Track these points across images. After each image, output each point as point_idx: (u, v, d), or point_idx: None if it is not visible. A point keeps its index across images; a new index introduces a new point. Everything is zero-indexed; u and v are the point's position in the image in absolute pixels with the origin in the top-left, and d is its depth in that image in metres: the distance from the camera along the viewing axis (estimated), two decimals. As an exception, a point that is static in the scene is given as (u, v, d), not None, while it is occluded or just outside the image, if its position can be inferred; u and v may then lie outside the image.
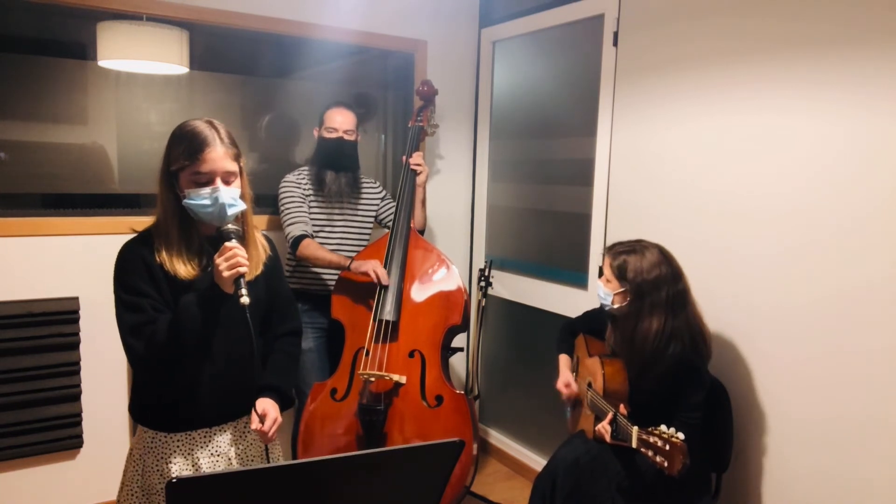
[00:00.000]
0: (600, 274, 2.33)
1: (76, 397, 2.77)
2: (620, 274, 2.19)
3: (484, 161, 3.63)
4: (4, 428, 2.63)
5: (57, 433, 2.74)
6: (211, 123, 1.64)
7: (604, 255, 2.28)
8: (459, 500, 2.88)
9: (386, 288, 2.71)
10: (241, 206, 1.64)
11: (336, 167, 2.90)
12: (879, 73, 1.95)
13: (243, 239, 1.65)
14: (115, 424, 2.87)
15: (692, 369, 2.13)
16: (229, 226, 1.61)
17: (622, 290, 2.18)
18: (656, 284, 2.14)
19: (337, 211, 2.95)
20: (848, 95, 2.03)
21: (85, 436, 2.81)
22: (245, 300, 1.53)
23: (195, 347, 1.62)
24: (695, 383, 2.13)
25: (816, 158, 2.12)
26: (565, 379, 2.42)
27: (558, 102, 3.20)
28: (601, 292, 2.24)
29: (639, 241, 2.24)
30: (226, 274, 1.54)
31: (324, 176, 2.89)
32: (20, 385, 2.64)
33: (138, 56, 2.64)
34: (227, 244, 1.57)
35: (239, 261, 1.55)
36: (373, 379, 2.62)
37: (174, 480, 1.12)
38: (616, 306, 2.20)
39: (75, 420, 2.77)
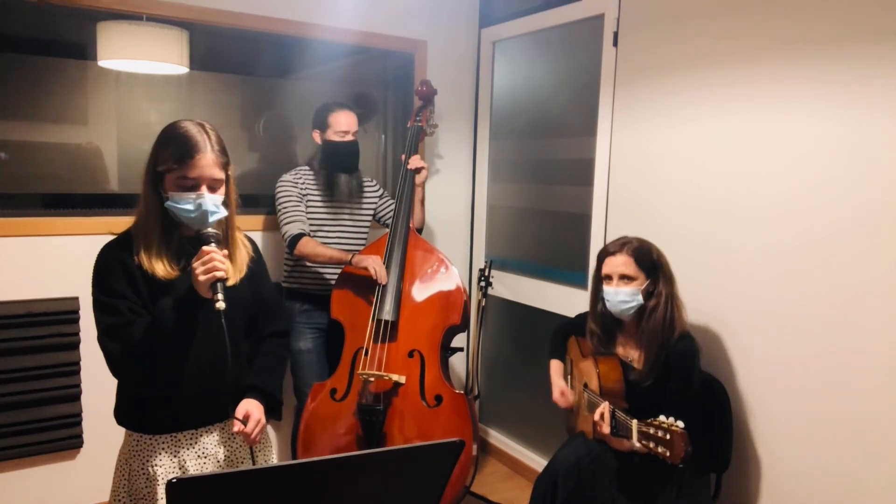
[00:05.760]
0: (600, 281, 2.26)
1: (76, 397, 2.77)
2: (642, 263, 2.17)
3: (484, 161, 3.63)
4: (4, 428, 2.63)
5: (57, 433, 2.74)
6: (203, 128, 1.61)
7: (605, 260, 2.22)
8: (459, 500, 2.88)
9: (385, 288, 2.71)
10: (223, 212, 1.63)
11: (348, 169, 2.93)
12: (879, 73, 1.95)
13: (221, 242, 1.63)
14: (115, 424, 2.86)
15: (691, 356, 2.15)
16: (209, 230, 1.59)
17: (648, 280, 2.17)
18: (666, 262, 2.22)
19: (337, 211, 2.95)
20: (848, 95, 2.03)
21: (85, 436, 2.81)
22: (220, 305, 1.51)
23: (172, 350, 1.61)
24: (692, 371, 2.16)
25: (816, 158, 2.12)
26: (559, 387, 2.41)
27: (558, 102, 3.20)
28: (624, 296, 2.15)
29: (625, 237, 2.25)
30: (202, 278, 1.52)
31: (336, 179, 2.90)
32: (20, 385, 2.64)
33: (138, 56, 2.64)
34: (205, 248, 1.55)
35: (215, 265, 1.53)
36: (372, 379, 2.62)
37: (174, 480, 1.12)
38: (644, 301, 2.17)
39: (75, 420, 2.78)
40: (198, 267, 1.53)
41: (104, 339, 1.60)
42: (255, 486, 1.20)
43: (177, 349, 1.62)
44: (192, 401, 1.69)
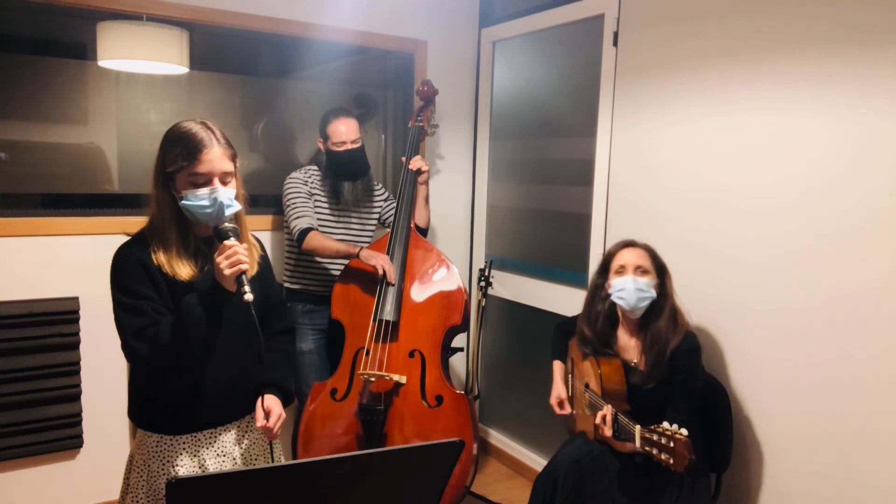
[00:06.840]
0: (605, 272, 2.26)
1: (76, 397, 2.77)
2: (655, 261, 2.21)
3: (484, 161, 3.63)
4: (4, 428, 2.63)
5: (57, 433, 2.74)
6: (205, 125, 1.63)
7: (617, 253, 2.24)
8: (459, 500, 2.87)
9: (387, 288, 2.71)
10: (237, 206, 1.64)
11: (352, 177, 2.92)
12: (879, 73, 1.95)
13: (240, 237, 1.64)
14: (115, 424, 2.87)
15: (695, 353, 2.16)
16: (226, 224, 1.60)
17: (657, 280, 2.19)
18: None
19: (342, 215, 2.95)
20: (848, 95, 2.03)
21: (85, 436, 2.81)
22: (249, 297, 1.54)
23: (200, 348, 1.62)
24: (696, 369, 2.16)
25: (817, 159, 2.12)
26: (558, 395, 2.40)
27: (558, 102, 3.20)
28: (643, 285, 2.14)
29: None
30: (227, 272, 1.54)
31: (340, 188, 2.90)
32: (20, 385, 2.64)
33: (138, 56, 2.64)
34: (227, 242, 1.57)
35: (240, 258, 1.55)
36: (373, 379, 2.62)
37: (174, 480, 1.12)
38: (655, 295, 2.19)
39: (75, 420, 2.77)
40: (222, 261, 1.54)
41: (131, 341, 1.59)
42: (255, 485, 1.20)
43: (204, 346, 1.62)
44: (214, 399, 1.70)
